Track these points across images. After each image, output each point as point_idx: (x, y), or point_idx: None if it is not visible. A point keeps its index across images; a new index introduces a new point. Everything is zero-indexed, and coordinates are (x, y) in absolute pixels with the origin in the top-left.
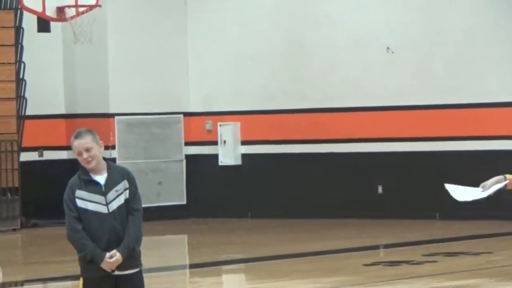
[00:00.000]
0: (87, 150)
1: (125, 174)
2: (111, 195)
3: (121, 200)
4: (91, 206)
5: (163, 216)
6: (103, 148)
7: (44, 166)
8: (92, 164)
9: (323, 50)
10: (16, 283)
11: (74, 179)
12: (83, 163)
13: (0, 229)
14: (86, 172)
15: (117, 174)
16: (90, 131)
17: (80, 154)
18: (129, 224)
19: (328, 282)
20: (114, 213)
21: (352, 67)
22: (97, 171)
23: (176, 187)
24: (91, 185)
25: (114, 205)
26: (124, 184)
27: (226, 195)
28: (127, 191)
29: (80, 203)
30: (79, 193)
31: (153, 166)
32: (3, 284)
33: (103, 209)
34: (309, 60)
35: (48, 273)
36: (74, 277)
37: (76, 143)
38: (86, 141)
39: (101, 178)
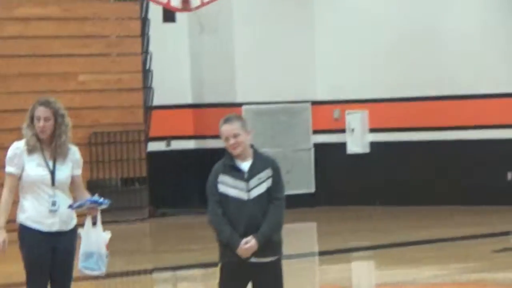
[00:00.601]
0: (235, 136)
1: (270, 163)
2: (253, 182)
3: (263, 187)
4: (232, 192)
5: (292, 204)
6: (250, 135)
7: (172, 156)
8: (238, 150)
9: (449, 37)
10: (145, 271)
11: (219, 164)
12: (229, 149)
13: (129, 218)
14: (231, 158)
15: (261, 162)
16: (239, 117)
17: (227, 139)
18: (269, 212)
19: (456, 268)
20: (254, 200)
21: (479, 54)
22: (243, 158)
23: (304, 175)
24: (235, 171)
25: (255, 192)
26: (268, 172)
27: (354, 183)
28: (270, 179)
29: (221, 188)
30: (222, 178)
31: (281, 154)
32: (133, 272)
33: (243, 196)
34: (436, 47)
35: (177, 262)
36: (203, 265)
37: (224, 128)
38: (234, 127)
39: (245, 165)
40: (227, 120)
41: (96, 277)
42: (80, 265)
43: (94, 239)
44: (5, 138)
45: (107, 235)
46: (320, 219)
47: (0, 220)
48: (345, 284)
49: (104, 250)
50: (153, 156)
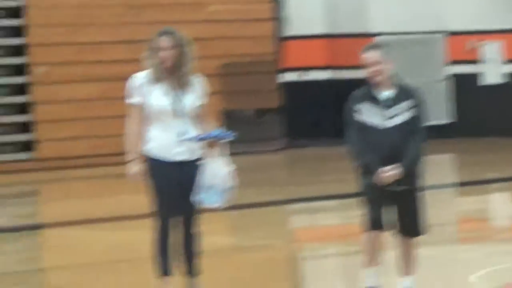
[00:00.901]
0: (376, 64)
1: (413, 94)
2: (393, 111)
3: (403, 117)
4: (371, 120)
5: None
6: (392, 64)
7: (306, 87)
8: (378, 78)
9: None
10: (276, 203)
11: (358, 91)
12: (369, 77)
13: (263, 149)
14: (372, 86)
15: (403, 92)
16: (381, 46)
17: (368, 67)
18: (410, 143)
19: None
20: (394, 129)
21: None
22: (384, 87)
23: (438, 107)
24: (374, 100)
25: (394, 121)
26: (409, 103)
27: (490, 114)
28: (412, 110)
29: (360, 116)
30: (361, 106)
31: (415, 85)
32: (266, 203)
33: (382, 124)
34: None
35: (309, 193)
36: (335, 197)
37: (365, 56)
38: (375, 55)
39: (386, 94)
40: (369, 48)
41: (229, 208)
42: (200, 197)
43: (217, 171)
44: (129, 70)
45: (230, 168)
46: (456, 150)
47: (131, 151)
48: (482, 216)
49: (226, 183)
50: (288, 87)
